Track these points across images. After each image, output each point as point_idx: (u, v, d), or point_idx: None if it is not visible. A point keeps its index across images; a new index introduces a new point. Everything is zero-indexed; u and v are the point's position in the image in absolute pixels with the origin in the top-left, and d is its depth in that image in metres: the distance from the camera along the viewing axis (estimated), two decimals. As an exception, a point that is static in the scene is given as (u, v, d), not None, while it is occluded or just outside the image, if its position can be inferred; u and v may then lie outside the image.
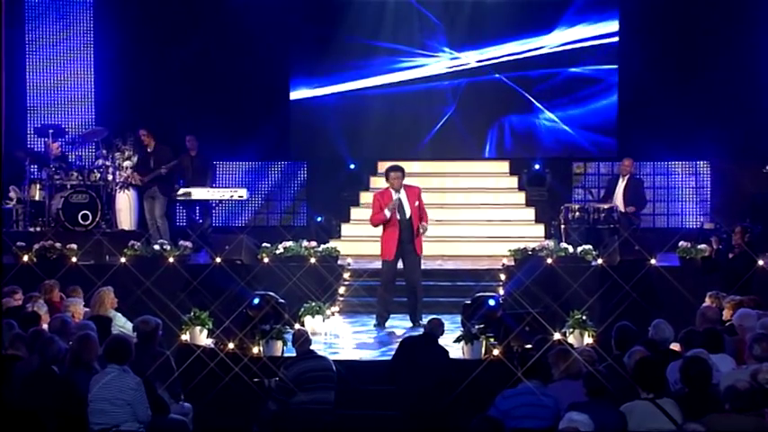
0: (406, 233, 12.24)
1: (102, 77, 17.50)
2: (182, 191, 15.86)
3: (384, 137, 17.62)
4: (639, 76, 16.89)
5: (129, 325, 10.11)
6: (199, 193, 15.96)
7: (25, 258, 13.18)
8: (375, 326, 12.38)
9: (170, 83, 17.04)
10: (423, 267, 13.59)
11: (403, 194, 12.29)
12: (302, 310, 12.20)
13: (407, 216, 12.27)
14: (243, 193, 16.18)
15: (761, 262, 12.46)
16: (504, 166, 17.65)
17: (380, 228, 12.42)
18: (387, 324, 12.39)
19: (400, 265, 12.40)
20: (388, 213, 12.17)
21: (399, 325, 12.48)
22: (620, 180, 15.90)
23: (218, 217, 17.50)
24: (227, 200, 16.45)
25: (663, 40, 16.91)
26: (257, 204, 17.83)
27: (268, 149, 17.61)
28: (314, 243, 14.00)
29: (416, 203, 12.32)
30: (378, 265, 12.75)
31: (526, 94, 17.52)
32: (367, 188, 17.04)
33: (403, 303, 12.62)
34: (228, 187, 16.69)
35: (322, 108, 17.72)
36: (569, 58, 17.36)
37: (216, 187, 16.46)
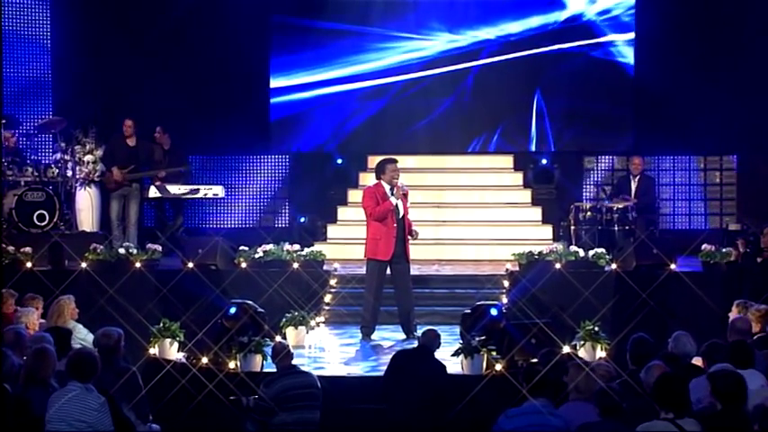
0: (400, 233, 12.27)
1: (61, 61, 17.43)
2: (167, 187, 15.82)
3: (375, 129, 17.61)
4: (658, 60, 16.90)
5: (91, 337, 10.07)
6: (170, 191, 15.92)
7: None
8: (361, 338, 12.36)
9: (138, 69, 16.97)
10: (418, 273, 13.66)
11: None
12: (284, 320, 12.19)
13: (401, 215, 12.30)
14: (218, 190, 16.14)
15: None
16: (507, 160, 17.65)
17: (367, 226, 12.41)
18: (374, 335, 12.39)
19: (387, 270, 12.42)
20: (395, 201, 12.19)
21: (391, 336, 12.48)
22: (632, 179, 15.94)
23: (191, 217, 17.49)
24: (202, 198, 16.40)
25: (684, 20, 16.92)
26: (234, 203, 17.81)
27: (246, 143, 17.58)
28: (297, 246, 13.98)
29: (407, 205, 12.38)
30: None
31: (533, 81, 17.53)
32: (356, 185, 17.02)
33: (393, 313, 12.61)
34: (203, 184, 16.63)
35: (305, 97, 17.70)
36: (581, 37, 17.38)
37: (189, 184, 16.39)
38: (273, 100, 17.73)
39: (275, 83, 17.71)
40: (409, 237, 12.42)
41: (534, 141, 17.52)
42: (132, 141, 15.77)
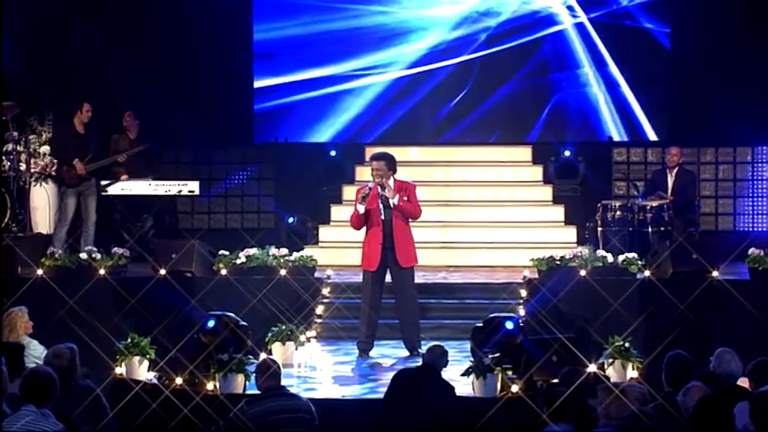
0: (389, 238, 12.24)
1: (12, 36, 17.42)
2: (119, 185, 15.79)
3: (373, 116, 17.67)
4: (698, 36, 16.90)
5: (49, 355, 10.07)
6: (139, 187, 15.91)
7: None
8: (358, 355, 12.39)
9: (101, 48, 16.95)
10: (423, 281, 13.65)
11: (391, 190, 12.25)
12: (270, 335, 12.21)
13: (392, 217, 12.27)
14: (194, 186, 16.13)
15: None
16: (525, 152, 17.68)
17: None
18: (372, 352, 12.42)
19: (389, 278, 12.43)
20: (360, 208, 12.17)
21: (392, 354, 12.50)
22: (669, 174, 15.92)
23: (163, 217, 17.50)
24: (175, 196, 16.40)
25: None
26: (212, 201, 17.83)
27: (226, 132, 17.59)
28: (284, 250, 14.00)
29: (404, 199, 12.26)
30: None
31: (552, 62, 17.60)
32: (351, 181, 17.06)
33: (394, 326, 12.64)
34: (176, 179, 16.61)
35: (295, 81, 17.73)
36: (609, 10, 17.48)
37: (160, 179, 16.36)
38: (257, 84, 17.77)
39: (260, 66, 17.74)
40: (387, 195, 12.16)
41: (556, 130, 17.54)
42: (81, 128, 15.62)
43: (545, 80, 17.66)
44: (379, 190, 12.19)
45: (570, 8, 17.54)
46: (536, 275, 13.66)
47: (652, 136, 17.55)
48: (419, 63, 17.75)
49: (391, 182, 12.30)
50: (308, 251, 14.61)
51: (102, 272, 13.34)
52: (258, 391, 9.37)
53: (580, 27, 17.52)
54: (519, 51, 17.60)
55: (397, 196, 12.16)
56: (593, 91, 17.55)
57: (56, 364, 8.82)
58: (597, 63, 17.51)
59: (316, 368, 11.95)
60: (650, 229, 15.04)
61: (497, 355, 10.50)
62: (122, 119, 16.31)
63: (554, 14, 17.57)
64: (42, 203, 15.74)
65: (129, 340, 11.07)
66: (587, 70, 17.55)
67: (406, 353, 12.37)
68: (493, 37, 17.64)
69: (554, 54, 17.61)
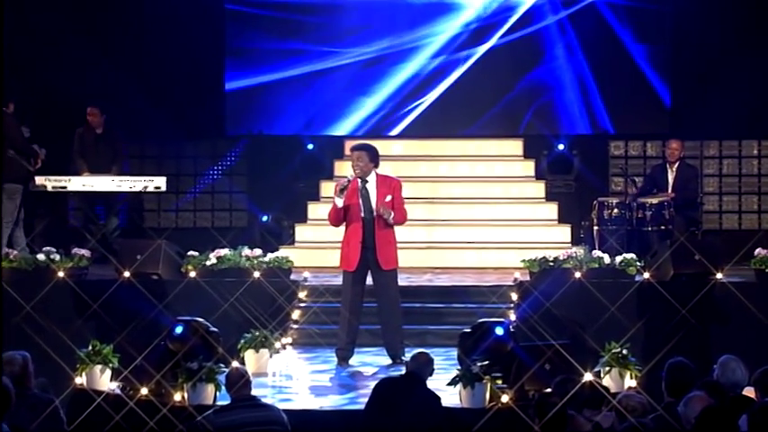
0: (370, 237, 12.21)
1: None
2: (80, 180, 15.69)
3: (354, 107, 17.65)
4: (700, 22, 16.91)
5: (3, 365, 10.02)
6: (101, 184, 15.84)
7: None
8: (337, 363, 12.38)
9: (61, 33, 16.91)
10: (407, 283, 13.64)
11: (372, 184, 12.21)
12: (242, 341, 12.18)
13: (374, 214, 12.23)
14: (160, 182, 16.08)
15: None
16: (516, 146, 17.68)
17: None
18: (352, 360, 12.41)
19: (370, 280, 12.42)
20: (338, 201, 12.13)
21: (373, 362, 12.50)
22: (669, 169, 15.91)
23: (127, 216, 17.47)
24: (140, 192, 16.35)
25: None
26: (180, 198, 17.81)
27: (196, 124, 17.55)
28: (258, 251, 13.97)
29: (388, 198, 12.21)
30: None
31: (544, 51, 17.64)
32: (330, 176, 17.02)
33: (375, 332, 12.63)
34: (141, 175, 16.56)
35: (269, 69, 17.71)
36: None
37: (125, 175, 16.30)
38: (229, 71, 17.74)
39: (232, 51, 17.72)
40: (384, 217, 12.18)
41: (549, 122, 17.55)
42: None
43: (539, 72, 17.65)
44: (377, 210, 12.15)
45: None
46: (528, 278, 13.65)
47: (652, 128, 17.59)
48: (409, 58, 17.77)
49: (373, 175, 12.27)
50: (283, 252, 14.60)
51: (61, 274, 13.28)
52: (229, 402, 9.36)
53: (577, 17, 17.54)
54: (511, 45, 17.59)
55: (393, 214, 12.14)
56: (584, 81, 17.56)
57: (7, 371, 8.77)
58: (593, 53, 17.52)
59: (292, 377, 11.93)
60: (649, 228, 15.06)
61: (486, 362, 10.49)
62: (85, 113, 16.20)
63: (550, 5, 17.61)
64: (-1, 202, 15.65)
65: (91, 348, 11.03)
66: (572, 60, 17.60)
67: (388, 361, 12.36)
68: (480, 30, 17.66)
69: (548, 46, 17.62)
